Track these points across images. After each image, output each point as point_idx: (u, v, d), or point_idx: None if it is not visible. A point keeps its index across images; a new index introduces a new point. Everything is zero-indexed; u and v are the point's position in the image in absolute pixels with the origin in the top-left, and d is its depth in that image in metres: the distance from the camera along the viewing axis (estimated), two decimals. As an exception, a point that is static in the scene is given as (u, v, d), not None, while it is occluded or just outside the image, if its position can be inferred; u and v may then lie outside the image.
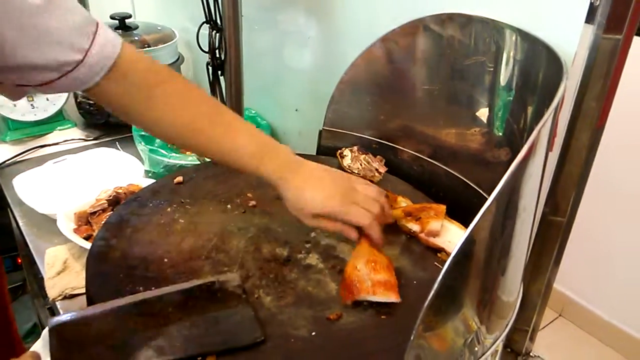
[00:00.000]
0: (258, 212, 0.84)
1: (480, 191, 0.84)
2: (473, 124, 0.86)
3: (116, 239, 0.76)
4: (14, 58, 0.56)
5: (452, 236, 0.77)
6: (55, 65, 0.58)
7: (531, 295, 0.86)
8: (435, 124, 0.92)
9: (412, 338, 0.51)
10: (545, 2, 0.74)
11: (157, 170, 1.20)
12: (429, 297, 0.49)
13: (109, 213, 0.98)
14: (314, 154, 1.04)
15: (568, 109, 0.72)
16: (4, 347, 0.89)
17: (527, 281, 0.84)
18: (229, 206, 0.85)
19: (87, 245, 0.91)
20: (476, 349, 0.61)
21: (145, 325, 0.61)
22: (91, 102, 1.44)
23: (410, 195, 0.88)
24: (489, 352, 0.63)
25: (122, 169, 1.20)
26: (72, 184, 1.16)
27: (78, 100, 1.48)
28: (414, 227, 0.79)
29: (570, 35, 0.70)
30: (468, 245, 0.50)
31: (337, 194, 0.69)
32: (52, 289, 0.91)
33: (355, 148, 0.97)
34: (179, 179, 0.92)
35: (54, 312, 0.93)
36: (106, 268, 0.71)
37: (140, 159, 1.24)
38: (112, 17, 1.49)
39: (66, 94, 1.49)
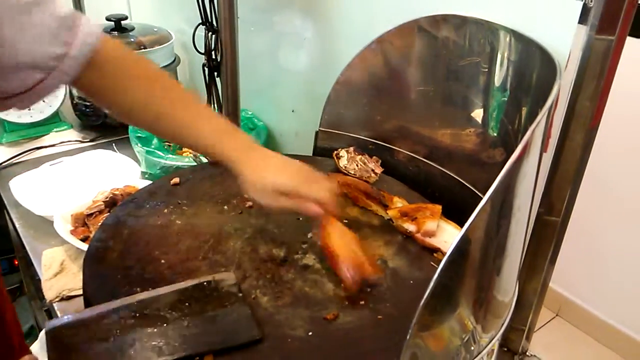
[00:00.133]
0: (254, 213, 0.85)
1: (476, 191, 0.85)
2: (468, 125, 0.87)
3: (113, 240, 0.76)
4: (15, 57, 0.56)
5: (448, 236, 0.78)
6: (45, 59, 0.58)
7: (527, 295, 0.86)
8: (431, 124, 0.93)
9: (407, 337, 0.51)
10: (538, 4, 0.74)
11: (153, 172, 1.20)
12: (425, 296, 0.49)
13: (105, 214, 0.98)
14: (311, 154, 1.04)
15: (562, 109, 0.72)
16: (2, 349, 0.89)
17: (522, 281, 0.84)
18: (225, 207, 0.86)
19: (84, 246, 0.91)
20: (472, 348, 0.62)
21: (142, 325, 0.61)
22: (87, 103, 1.44)
23: (406, 195, 0.88)
24: (484, 351, 0.64)
25: (118, 171, 1.20)
26: (68, 185, 1.16)
27: (74, 102, 1.48)
28: (410, 227, 0.79)
29: (563, 36, 0.70)
30: (463, 244, 0.50)
31: (296, 172, 0.71)
32: (50, 290, 0.91)
33: (351, 149, 0.97)
34: (176, 180, 0.92)
35: (51, 313, 0.93)
36: (103, 269, 0.71)
37: (137, 160, 1.24)
38: (108, 19, 1.49)
39: (62, 96, 1.49)
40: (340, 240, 0.70)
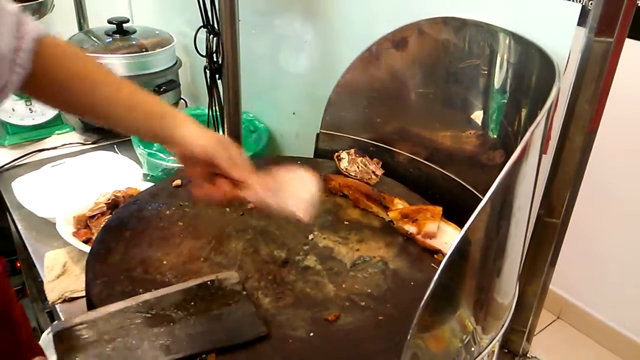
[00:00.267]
0: (256, 214, 0.85)
1: (476, 193, 0.85)
2: (468, 127, 0.87)
3: (116, 241, 0.77)
4: None
5: (448, 237, 0.78)
6: (5, 52, 0.60)
7: (527, 297, 0.87)
8: (431, 126, 0.93)
9: (408, 338, 0.51)
10: (538, 6, 0.75)
11: (155, 174, 1.21)
12: (425, 297, 0.49)
13: (107, 216, 0.99)
14: (312, 156, 1.05)
15: (561, 111, 0.73)
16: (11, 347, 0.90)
17: (523, 282, 0.85)
18: (227, 209, 0.86)
19: (86, 248, 0.92)
20: (473, 349, 0.62)
21: (149, 325, 0.61)
22: (89, 106, 1.44)
23: (406, 197, 0.89)
24: (485, 352, 0.64)
25: (120, 173, 1.21)
26: (71, 187, 1.16)
27: (76, 105, 1.49)
28: (411, 228, 0.80)
29: (562, 39, 0.71)
30: (463, 245, 0.51)
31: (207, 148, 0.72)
32: (52, 292, 0.91)
33: (352, 151, 0.97)
34: (178, 182, 0.92)
35: (53, 315, 0.93)
36: (106, 270, 0.72)
37: (139, 162, 1.24)
38: (109, 22, 1.50)
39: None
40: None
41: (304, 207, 0.69)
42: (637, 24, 0.71)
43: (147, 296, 0.65)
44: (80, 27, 1.71)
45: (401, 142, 0.98)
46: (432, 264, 0.76)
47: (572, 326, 2.03)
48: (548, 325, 2.04)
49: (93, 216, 1.00)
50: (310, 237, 0.80)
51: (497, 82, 0.81)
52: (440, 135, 0.92)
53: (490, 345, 0.65)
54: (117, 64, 1.42)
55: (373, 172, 0.94)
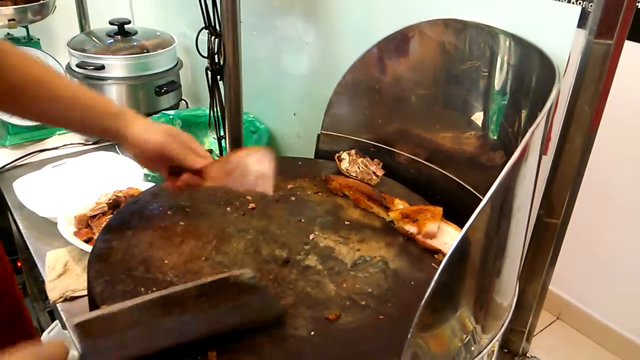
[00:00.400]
0: (257, 214, 0.85)
1: (476, 193, 0.86)
2: (468, 128, 0.88)
3: (117, 241, 0.77)
4: None
5: (448, 238, 0.78)
6: None
7: (527, 297, 0.87)
8: (432, 127, 0.94)
9: (409, 337, 0.52)
10: (538, 8, 0.75)
11: (156, 174, 1.21)
12: (426, 296, 0.50)
13: (109, 216, 0.99)
14: (313, 157, 1.05)
15: (561, 112, 0.73)
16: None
17: (523, 283, 0.85)
18: (228, 209, 0.86)
19: (88, 248, 0.92)
20: (472, 348, 0.62)
21: (167, 314, 0.62)
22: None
23: (407, 197, 0.89)
24: (485, 352, 0.64)
25: (121, 173, 1.21)
26: (72, 187, 1.17)
27: (78, 105, 1.49)
28: (411, 229, 0.80)
29: (562, 40, 0.71)
30: (464, 245, 0.51)
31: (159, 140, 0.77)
32: (53, 291, 0.91)
33: (353, 151, 0.98)
34: (179, 182, 0.92)
35: (54, 314, 0.93)
36: (108, 269, 0.72)
37: (140, 163, 1.25)
38: (111, 23, 1.50)
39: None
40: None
41: (265, 182, 0.74)
42: (636, 26, 0.71)
43: (161, 293, 0.65)
44: (82, 28, 1.72)
45: (402, 143, 0.98)
46: (433, 264, 0.77)
47: (572, 327, 2.04)
48: (548, 325, 2.04)
49: (94, 216, 1.00)
50: (311, 237, 0.80)
51: (497, 83, 0.81)
52: (440, 136, 0.93)
53: (490, 345, 0.65)
54: (119, 65, 1.43)
55: (374, 172, 0.95)
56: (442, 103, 0.91)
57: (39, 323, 1.58)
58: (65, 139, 1.44)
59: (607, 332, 1.94)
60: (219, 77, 1.07)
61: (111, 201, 1.02)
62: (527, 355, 0.93)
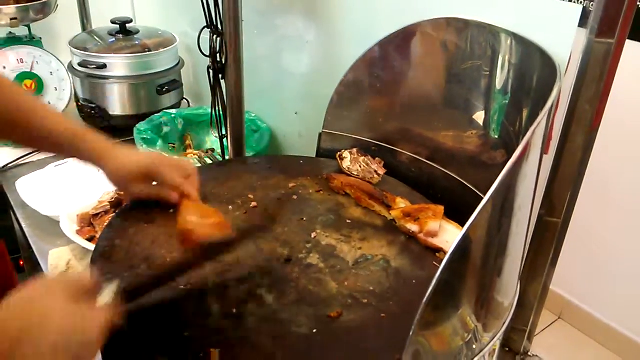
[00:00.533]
0: (259, 213, 0.86)
1: (478, 192, 0.86)
2: (470, 127, 0.88)
3: (120, 239, 0.77)
4: None
5: (450, 236, 0.79)
6: None
7: (528, 296, 0.87)
8: (433, 126, 0.94)
9: (410, 335, 0.52)
10: (539, 7, 0.75)
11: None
12: (427, 295, 0.50)
13: (111, 215, 0.99)
14: (314, 156, 1.06)
15: (563, 111, 0.73)
16: None
17: (524, 282, 0.85)
18: (230, 207, 0.87)
19: (90, 246, 0.92)
20: (474, 346, 0.63)
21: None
22: (92, 105, 1.45)
23: (408, 196, 0.89)
24: (486, 350, 0.65)
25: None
26: (74, 186, 1.17)
27: (79, 104, 1.50)
28: (413, 227, 0.80)
29: (564, 40, 0.71)
30: (465, 244, 0.51)
31: (154, 155, 0.85)
32: (56, 289, 0.92)
33: (354, 150, 0.98)
34: (181, 181, 0.93)
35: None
36: (110, 267, 0.72)
37: (142, 161, 1.25)
38: (113, 22, 1.50)
39: (67, 98, 1.51)
40: (181, 215, 0.77)
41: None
42: (637, 25, 0.71)
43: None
44: (84, 27, 1.72)
45: (403, 141, 0.99)
46: (434, 262, 0.77)
47: (574, 326, 2.04)
48: (549, 325, 2.04)
49: (97, 214, 1.01)
50: (313, 235, 0.81)
51: (498, 82, 0.81)
52: (442, 135, 0.93)
53: (492, 344, 0.66)
54: (120, 63, 1.43)
55: (375, 171, 0.95)
56: (444, 102, 0.91)
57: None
58: (67, 138, 1.44)
59: (608, 332, 1.94)
60: (220, 76, 1.08)
61: (113, 200, 1.03)
62: (529, 354, 0.93)
